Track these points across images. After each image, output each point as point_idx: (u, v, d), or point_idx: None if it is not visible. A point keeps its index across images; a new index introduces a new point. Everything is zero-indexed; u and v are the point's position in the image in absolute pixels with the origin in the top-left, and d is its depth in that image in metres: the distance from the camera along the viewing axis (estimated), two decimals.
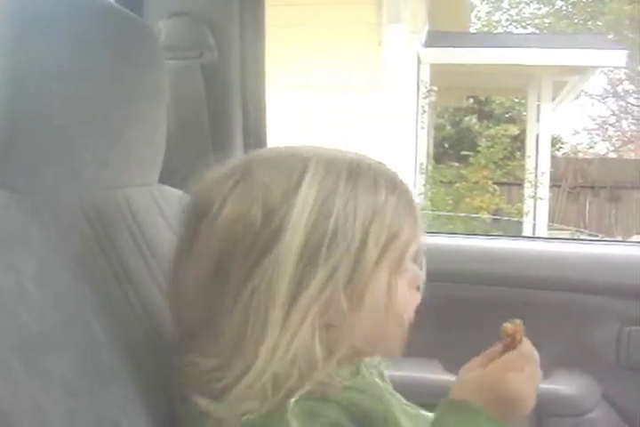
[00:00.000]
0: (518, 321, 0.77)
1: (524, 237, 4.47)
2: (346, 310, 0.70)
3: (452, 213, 6.30)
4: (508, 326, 0.77)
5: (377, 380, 0.85)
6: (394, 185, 0.75)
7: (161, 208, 0.97)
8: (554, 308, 1.44)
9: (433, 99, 6.97)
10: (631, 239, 7.07)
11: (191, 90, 1.24)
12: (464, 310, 1.46)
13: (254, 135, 1.30)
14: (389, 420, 0.76)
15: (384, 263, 0.72)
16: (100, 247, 0.78)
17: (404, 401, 0.89)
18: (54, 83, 0.77)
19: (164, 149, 0.99)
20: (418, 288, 0.79)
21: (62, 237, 0.73)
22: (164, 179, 1.03)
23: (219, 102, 1.26)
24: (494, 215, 6.76)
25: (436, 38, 7.15)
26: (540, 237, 5.68)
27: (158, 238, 0.91)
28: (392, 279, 0.73)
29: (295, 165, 0.73)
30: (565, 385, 1.40)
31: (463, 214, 6.30)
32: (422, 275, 0.79)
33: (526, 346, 0.76)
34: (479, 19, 13.10)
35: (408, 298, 0.77)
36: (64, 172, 0.79)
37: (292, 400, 0.67)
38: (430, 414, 0.84)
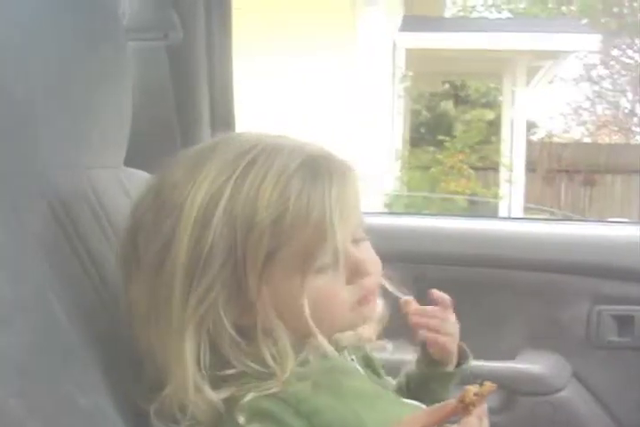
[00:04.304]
0: (488, 384, 0.64)
1: (497, 217, 4.48)
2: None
3: (427, 195, 6.31)
4: (469, 393, 0.63)
5: (357, 366, 0.82)
6: (284, 185, 0.69)
7: (127, 190, 0.95)
8: (526, 287, 1.45)
9: (408, 84, 6.96)
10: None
11: (156, 72, 1.23)
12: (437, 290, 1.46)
13: (222, 118, 1.28)
14: (349, 418, 0.71)
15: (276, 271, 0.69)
16: (61, 229, 0.77)
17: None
18: (15, 59, 0.77)
19: (128, 131, 0.97)
20: (366, 274, 0.74)
21: (21, 218, 0.72)
22: (131, 162, 1.01)
23: (185, 84, 1.24)
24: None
25: (411, 23, 7.12)
26: (513, 217, 5.71)
27: (124, 220, 0.89)
28: (295, 282, 0.70)
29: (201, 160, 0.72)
30: (536, 364, 1.41)
31: (439, 196, 6.31)
32: (366, 262, 0.74)
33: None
34: (454, 3, 13.06)
35: (337, 293, 0.72)
36: (24, 150, 0.78)
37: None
38: None
